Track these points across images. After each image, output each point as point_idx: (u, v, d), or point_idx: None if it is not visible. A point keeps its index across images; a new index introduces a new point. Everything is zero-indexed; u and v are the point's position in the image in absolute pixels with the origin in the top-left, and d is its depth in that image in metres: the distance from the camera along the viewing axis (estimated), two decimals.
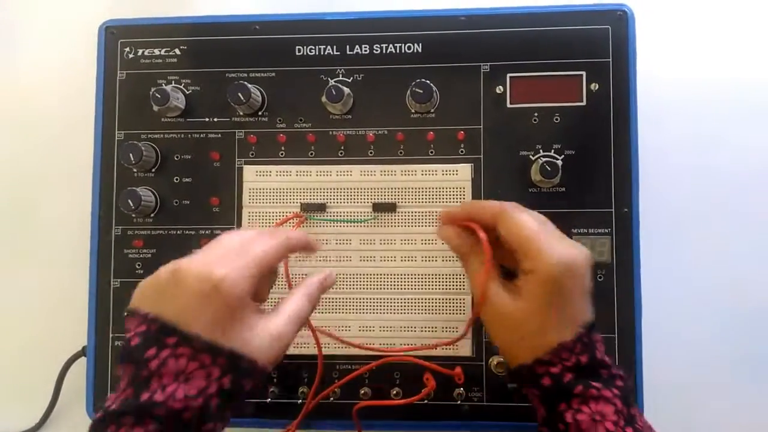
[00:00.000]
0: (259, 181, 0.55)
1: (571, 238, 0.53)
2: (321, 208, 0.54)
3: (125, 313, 0.37)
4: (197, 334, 0.34)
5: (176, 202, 0.56)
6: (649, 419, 0.51)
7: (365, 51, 0.56)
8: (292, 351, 0.51)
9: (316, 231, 0.54)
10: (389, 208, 0.54)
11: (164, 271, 0.36)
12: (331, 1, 0.59)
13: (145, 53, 0.57)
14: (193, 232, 0.55)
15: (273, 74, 0.56)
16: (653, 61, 0.58)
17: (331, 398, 0.53)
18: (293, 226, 0.54)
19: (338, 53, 0.56)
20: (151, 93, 0.54)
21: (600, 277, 0.53)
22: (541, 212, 0.52)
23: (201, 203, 0.56)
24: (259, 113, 0.56)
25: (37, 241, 0.63)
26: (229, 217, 0.55)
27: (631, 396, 0.40)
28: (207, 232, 0.55)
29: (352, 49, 0.56)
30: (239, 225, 0.55)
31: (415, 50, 0.55)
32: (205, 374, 0.34)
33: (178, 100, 0.55)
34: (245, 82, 0.54)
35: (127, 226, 0.56)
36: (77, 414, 0.57)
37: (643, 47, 0.54)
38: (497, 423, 0.52)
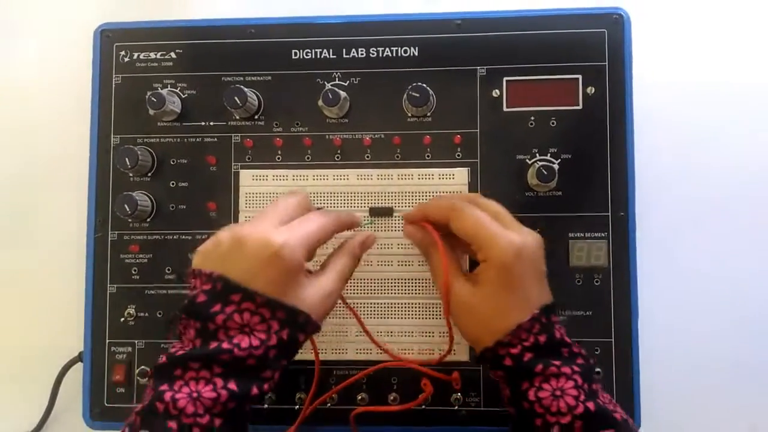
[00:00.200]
0: (256, 185, 0.55)
1: (568, 242, 0.53)
2: None
3: (187, 273, 0.41)
4: (260, 292, 0.38)
5: (172, 207, 0.56)
6: (645, 422, 0.52)
7: (362, 54, 0.55)
8: None
9: None
10: (386, 212, 0.54)
11: (225, 236, 0.40)
12: (327, 4, 0.58)
13: (141, 57, 0.57)
14: (189, 237, 0.55)
15: (269, 78, 0.56)
16: (649, 64, 0.58)
17: (329, 404, 0.53)
18: None
19: (334, 57, 0.56)
20: (146, 97, 0.54)
21: (597, 281, 0.53)
22: (537, 216, 0.53)
23: (197, 208, 0.55)
24: (256, 117, 0.56)
25: (32, 245, 0.63)
26: (225, 221, 0.55)
27: (593, 373, 0.42)
28: (203, 236, 0.54)
29: (348, 53, 0.56)
30: None
31: (412, 54, 0.55)
32: (266, 327, 0.38)
33: (174, 104, 0.55)
34: (241, 86, 0.54)
35: (123, 231, 0.55)
36: (74, 419, 0.56)
37: (639, 51, 0.54)
38: (494, 428, 0.52)
